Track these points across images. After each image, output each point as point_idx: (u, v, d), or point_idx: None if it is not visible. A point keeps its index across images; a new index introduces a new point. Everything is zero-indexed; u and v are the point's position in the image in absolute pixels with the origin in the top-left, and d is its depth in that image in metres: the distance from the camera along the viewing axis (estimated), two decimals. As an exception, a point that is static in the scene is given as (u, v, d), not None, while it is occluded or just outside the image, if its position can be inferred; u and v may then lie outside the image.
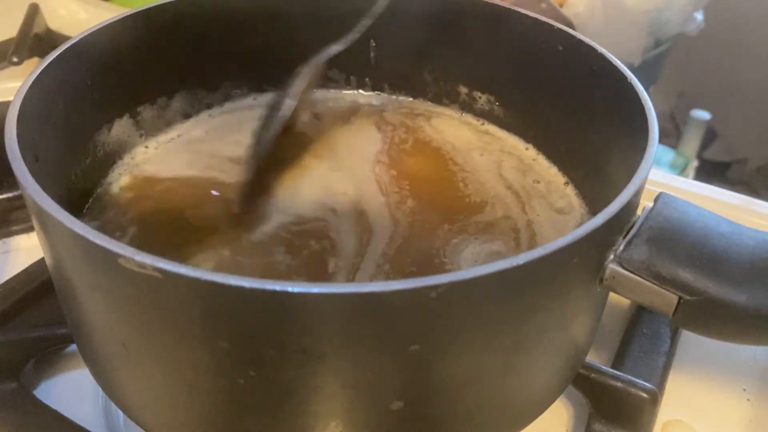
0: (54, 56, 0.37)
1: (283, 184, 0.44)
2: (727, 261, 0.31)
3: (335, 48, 0.45)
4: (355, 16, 0.46)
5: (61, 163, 0.39)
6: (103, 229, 0.40)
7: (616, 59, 0.39)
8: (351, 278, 0.37)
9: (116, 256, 0.25)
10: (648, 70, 1.09)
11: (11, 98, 0.34)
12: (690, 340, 0.46)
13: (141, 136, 0.46)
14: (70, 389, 0.42)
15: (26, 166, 0.30)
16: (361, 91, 0.53)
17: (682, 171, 1.22)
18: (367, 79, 0.53)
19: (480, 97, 0.50)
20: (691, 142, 1.27)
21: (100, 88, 0.41)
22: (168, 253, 0.27)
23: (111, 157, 0.44)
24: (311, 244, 0.39)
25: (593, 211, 0.43)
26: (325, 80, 0.51)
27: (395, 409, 0.29)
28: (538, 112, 0.47)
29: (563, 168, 0.46)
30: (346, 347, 0.27)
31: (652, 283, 0.31)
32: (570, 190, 0.45)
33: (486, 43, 0.47)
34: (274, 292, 0.24)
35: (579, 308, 0.32)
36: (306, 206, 0.42)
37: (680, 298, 0.31)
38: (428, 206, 0.43)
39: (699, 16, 1.11)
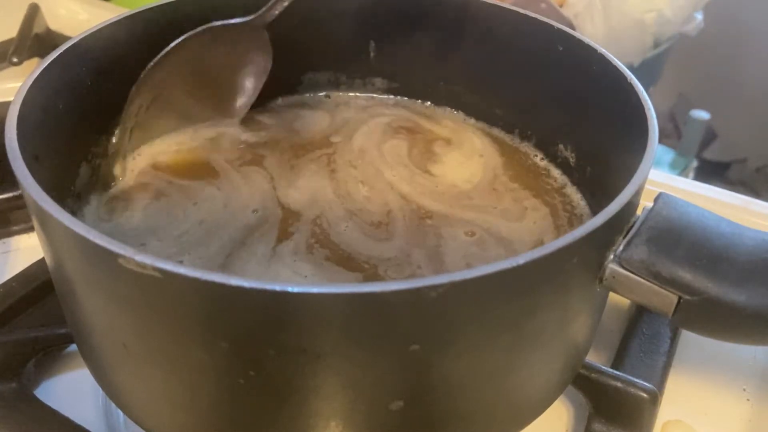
0: (54, 56, 0.37)
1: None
2: (726, 261, 0.31)
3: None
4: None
5: (61, 163, 0.39)
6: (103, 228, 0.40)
7: (616, 59, 0.39)
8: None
9: (116, 256, 0.25)
10: (648, 70, 1.09)
11: (11, 98, 0.34)
12: (690, 340, 0.46)
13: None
14: (70, 389, 0.42)
15: (26, 166, 0.30)
16: (359, 93, 0.53)
17: (681, 171, 1.22)
18: (366, 79, 0.53)
19: (479, 98, 0.50)
20: (691, 142, 1.26)
21: (99, 89, 0.41)
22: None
23: (111, 156, 0.44)
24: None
25: (593, 211, 0.43)
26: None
27: (395, 409, 0.29)
28: (538, 112, 0.47)
29: (563, 167, 0.46)
30: (346, 347, 0.27)
31: (652, 283, 0.31)
32: (570, 190, 0.45)
33: (486, 44, 0.47)
34: (273, 292, 0.24)
35: (579, 308, 0.32)
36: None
37: (680, 298, 0.31)
38: (429, 205, 0.43)
39: (699, 16, 1.10)
